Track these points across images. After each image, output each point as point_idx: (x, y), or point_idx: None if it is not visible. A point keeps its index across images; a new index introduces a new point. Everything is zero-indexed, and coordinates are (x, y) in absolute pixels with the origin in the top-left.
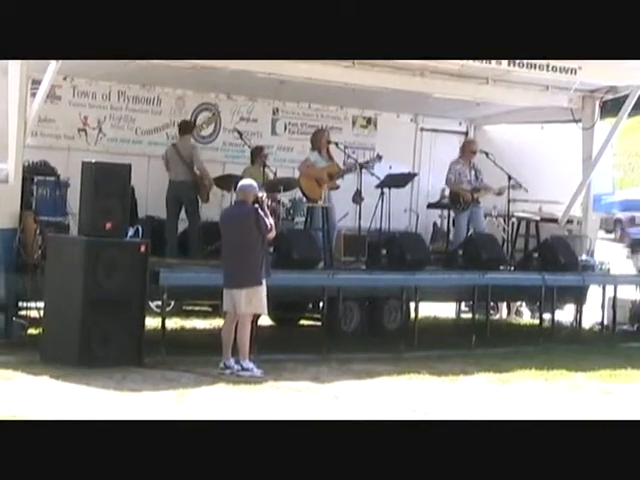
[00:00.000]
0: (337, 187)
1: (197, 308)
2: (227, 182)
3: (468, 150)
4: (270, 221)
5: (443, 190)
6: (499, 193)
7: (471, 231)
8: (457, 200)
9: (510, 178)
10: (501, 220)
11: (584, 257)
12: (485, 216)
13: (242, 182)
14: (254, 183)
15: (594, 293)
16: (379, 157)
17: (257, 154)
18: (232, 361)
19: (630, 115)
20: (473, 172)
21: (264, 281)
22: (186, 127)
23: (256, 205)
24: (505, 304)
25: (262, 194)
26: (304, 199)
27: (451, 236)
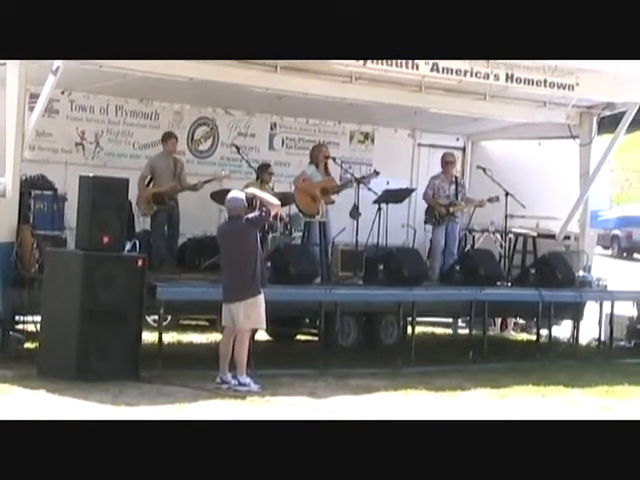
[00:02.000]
0: (332, 202)
1: (194, 322)
2: (224, 197)
3: (444, 162)
4: (264, 209)
5: None
6: (480, 205)
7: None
8: (432, 215)
9: (507, 194)
10: (498, 236)
11: (581, 273)
12: (482, 232)
13: (228, 199)
14: (238, 194)
15: (591, 309)
16: (376, 173)
17: (263, 171)
18: (229, 376)
19: (627, 131)
20: (453, 187)
21: (262, 294)
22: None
23: (247, 216)
24: (500, 320)
25: (250, 191)
26: (301, 214)
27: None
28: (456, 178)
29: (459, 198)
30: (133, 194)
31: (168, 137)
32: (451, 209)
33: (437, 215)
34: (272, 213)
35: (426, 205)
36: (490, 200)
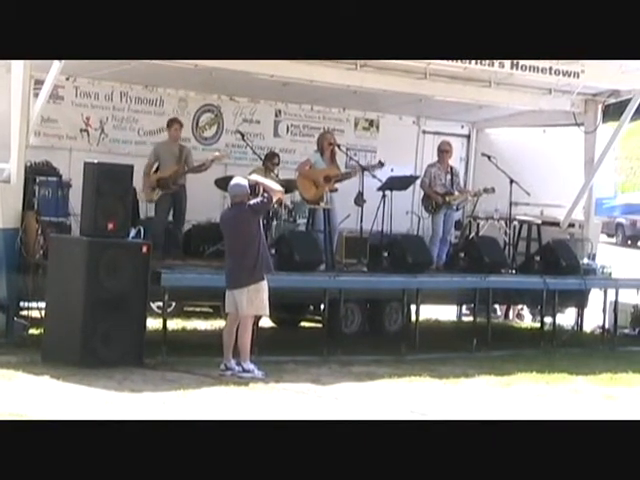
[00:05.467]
0: (335, 190)
1: (198, 309)
2: (228, 184)
3: (439, 151)
4: (265, 195)
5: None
6: (474, 195)
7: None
8: (429, 203)
9: (512, 181)
10: (503, 223)
11: (586, 261)
12: (487, 219)
13: (231, 185)
14: (241, 181)
15: (595, 297)
16: (381, 164)
17: (269, 159)
18: (233, 362)
19: (632, 119)
20: (449, 176)
21: (265, 280)
22: None
23: (249, 202)
24: (504, 307)
25: (253, 177)
26: (304, 201)
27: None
28: (451, 168)
29: (454, 187)
30: (138, 181)
31: (171, 123)
32: (447, 198)
33: (434, 204)
34: (274, 199)
35: (422, 193)
36: (486, 191)
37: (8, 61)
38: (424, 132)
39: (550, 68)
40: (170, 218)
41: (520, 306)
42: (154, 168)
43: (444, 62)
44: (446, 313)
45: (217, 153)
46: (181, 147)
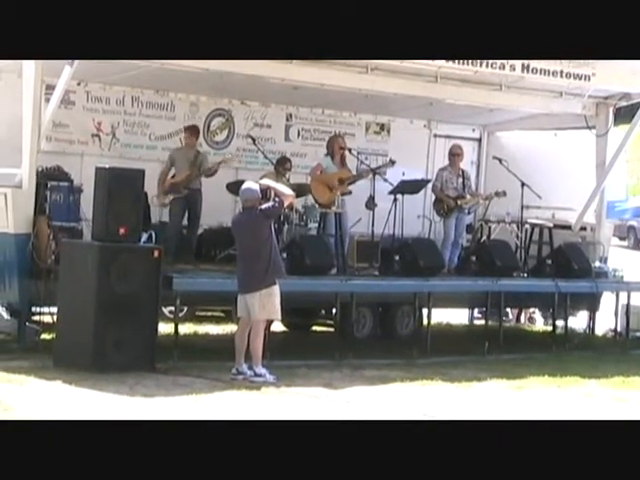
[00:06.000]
0: (349, 192)
1: (210, 313)
2: (239, 188)
3: (450, 154)
4: (277, 199)
5: None
6: (486, 198)
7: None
8: (440, 207)
9: (523, 185)
10: (514, 227)
11: (597, 264)
12: (498, 222)
13: (242, 190)
14: (252, 185)
15: (607, 300)
16: (392, 162)
17: (280, 164)
18: (245, 367)
19: None
20: (461, 180)
21: (277, 284)
22: None
23: (261, 207)
24: (516, 310)
25: (264, 182)
26: (317, 205)
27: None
28: (463, 171)
29: (465, 191)
30: (149, 185)
31: (184, 130)
32: (459, 202)
33: (445, 207)
34: (285, 204)
35: (434, 197)
36: (497, 194)
37: (19, 66)
38: (435, 136)
39: (561, 71)
40: (185, 222)
41: (532, 309)
42: (171, 174)
43: (455, 65)
44: (458, 317)
45: (229, 156)
46: (197, 153)
